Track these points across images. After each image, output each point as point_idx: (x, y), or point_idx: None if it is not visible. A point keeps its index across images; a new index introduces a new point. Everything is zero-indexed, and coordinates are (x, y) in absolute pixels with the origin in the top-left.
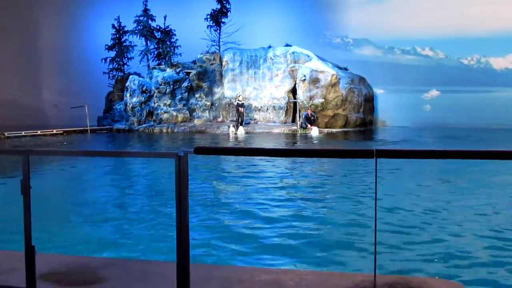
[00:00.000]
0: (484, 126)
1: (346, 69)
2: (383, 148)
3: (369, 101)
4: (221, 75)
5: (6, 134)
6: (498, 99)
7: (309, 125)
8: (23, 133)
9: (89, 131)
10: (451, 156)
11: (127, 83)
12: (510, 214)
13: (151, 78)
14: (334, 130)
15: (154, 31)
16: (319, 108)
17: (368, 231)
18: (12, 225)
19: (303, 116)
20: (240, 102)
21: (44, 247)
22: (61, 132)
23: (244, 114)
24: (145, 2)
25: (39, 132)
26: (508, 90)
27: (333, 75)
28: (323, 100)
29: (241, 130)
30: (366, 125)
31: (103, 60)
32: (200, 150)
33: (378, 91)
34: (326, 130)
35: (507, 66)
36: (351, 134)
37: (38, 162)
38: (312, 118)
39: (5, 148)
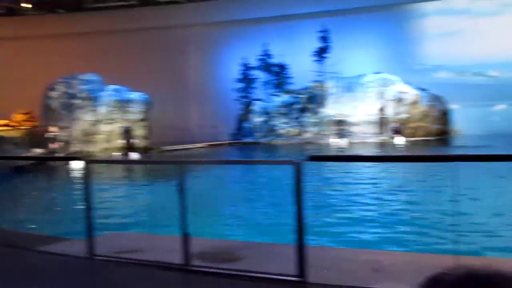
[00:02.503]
0: None
1: (425, 89)
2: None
3: (445, 114)
4: (325, 98)
5: (164, 148)
6: None
7: (396, 135)
8: (177, 147)
9: (224, 144)
10: None
11: (253, 107)
12: None
13: (271, 102)
14: (417, 139)
15: (272, 66)
16: (404, 122)
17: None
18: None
19: (391, 128)
20: (340, 119)
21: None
22: (205, 146)
23: (343, 128)
24: (265, 45)
25: (189, 146)
26: None
27: (415, 95)
28: (407, 115)
29: (344, 141)
30: (444, 134)
31: (234, 90)
32: (314, 158)
33: (453, 106)
34: (410, 139)
35: None
36: (431, 142)
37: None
38: (398, 129)
39: (165, 159)
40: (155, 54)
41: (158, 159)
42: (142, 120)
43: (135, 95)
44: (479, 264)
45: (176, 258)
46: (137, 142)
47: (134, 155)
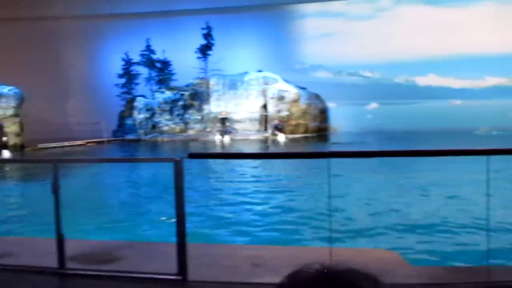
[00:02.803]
0: (412, 129)
1: (305, 88)
2: (336, 149)
3: (323, 112)
4: (209, 95)
5: (39, 146)
6: (422, 109)
7: (277, 132)
8: (54, 145)
9: (106, 141)
10: (392, 155)
11: (135, 103)
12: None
13: (154, 99)
14: (297, 135)
15: (155, 62)
16: (285, 119)
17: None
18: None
19: (273, 125)
20: (224, 116)
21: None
22: (83, 143)
23: (227, 125)
24: (147, 40)
25: (66, 144)
26: (429, 101)
27: (295, 93)
28: (288, 112)
29: (227, 138)
30: (322, 131)
31: (116, 86)
32: (193, 155)
33: (330, 105)
34: (290, 136)
35: (428, 83)
36: (310, 138)
37: (65, 167)
38: (279, 127)
39: (40, 158)
40: (31, 46)
41: (32, 157)
42: (14, 116)
43: (5, 89)
44: (346, 256)
45: (50, 261)
46: (8, 139)
47: (5, 154)
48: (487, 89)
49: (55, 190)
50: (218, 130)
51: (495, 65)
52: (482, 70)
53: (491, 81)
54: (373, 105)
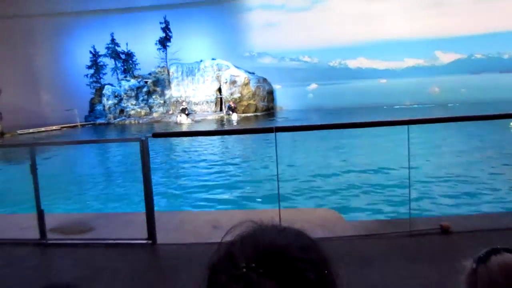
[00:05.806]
0: (346, 106)
1: (253, 73)
2: (282, 125)
3: (271, 93)
4: (169, 82)
5: (18, 132)
6: (354, 88)
7: (231, 112)
8: (31, 130)
9: (79, 126)
10: (333, 128)
11: (104, 91)
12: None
13: (120, 86)
14: (248, 114)
15: (120, 54)
16: (237, 101)
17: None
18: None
19: (227, 106)
20: (184, 107)
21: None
22: (59, 127)
23: (187, 107)
24: (112, 34)
25: (43, 129)
26: (359, 81)
27: (245, 77)
28: (240, 95)
29: (188, 119)
30: (270, 110)
31: (86, 76)
32: (157, 135)
33: (276, 87)
34: (243, 115)
35: (358, 66)
36: (260, 117)
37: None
38: (233, 107)
39: (17, 142)
40: (5, 43)
41: (11, 142)
42: None
43: None
44: (292, 215)
45: (32, 234)
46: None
47: None
48: (406, 69)
49: (33, 171)
50: (179, 112)
51: (413, 49)
52: (402, 53)
53: (409, 62)
54: (313, 86)
